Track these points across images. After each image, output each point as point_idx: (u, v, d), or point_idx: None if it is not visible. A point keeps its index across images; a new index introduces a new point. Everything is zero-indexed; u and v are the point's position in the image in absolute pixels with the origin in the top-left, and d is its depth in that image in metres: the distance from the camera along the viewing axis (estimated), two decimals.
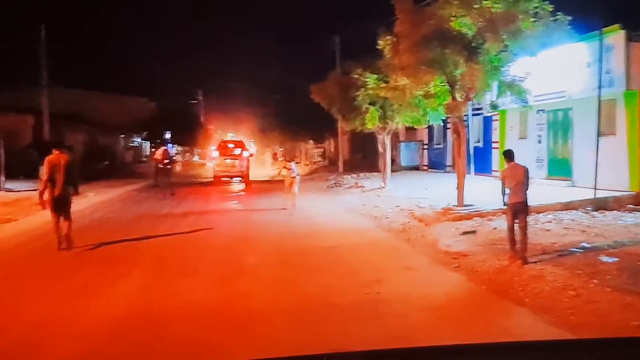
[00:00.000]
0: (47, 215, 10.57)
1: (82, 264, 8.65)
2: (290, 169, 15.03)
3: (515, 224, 7.64)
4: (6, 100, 28.63)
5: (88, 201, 17.22)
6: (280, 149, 26.07)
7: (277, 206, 15.01)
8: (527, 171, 7.87)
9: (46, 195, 9.77)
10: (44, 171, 9.92)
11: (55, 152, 10.07)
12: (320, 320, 5.61)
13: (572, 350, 2.27)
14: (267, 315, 5.78)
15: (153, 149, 36.65)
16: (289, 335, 5.08)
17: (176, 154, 27.23)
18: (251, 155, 29.24)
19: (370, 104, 18.16)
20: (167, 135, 41.95)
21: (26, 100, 28.65)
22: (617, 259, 7.24)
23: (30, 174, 23.72)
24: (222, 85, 56.43)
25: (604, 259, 7.31)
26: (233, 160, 26.66)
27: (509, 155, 8.12)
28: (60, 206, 9.77)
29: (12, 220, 13.14)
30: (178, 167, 21.66)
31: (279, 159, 15.08)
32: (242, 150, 27.65)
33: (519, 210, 7.60)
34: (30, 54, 27.49)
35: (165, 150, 21.15)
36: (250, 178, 26.14)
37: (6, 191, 19.18)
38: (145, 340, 5.14)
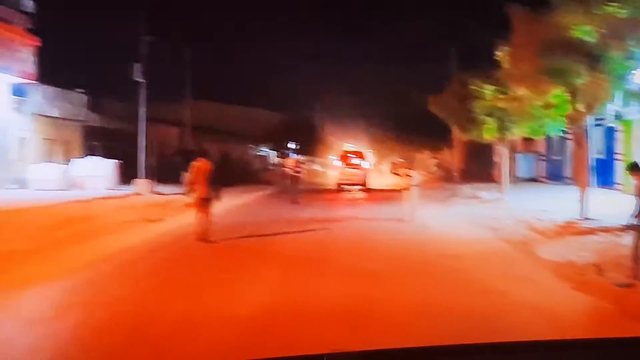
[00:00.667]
0: (189, 216, 11.84)
1: (220, 255, 9.59)
2: (410, 177, 15.10)
3: None
4: (155, 112, 31.10)
5: (222, 205, 18.34)
6: (401, 160, 26.26)
7: (397, 214, 15.12)
8: None
9: (192, 196, 10.92)
10: (190, 176, 11.06)
11: (200, 160, 11.23)
12: (445, 325, 5.57)
13: (572, 349, 2.19)
14: (394, 316, 5.87)
15: (280, 157, 37.95)
16: (417, 338, 5.21)
17: (302, 163, 28.33)
18: (371, 164, 29.88)
19: (487, 115, 17.83)
20: (291, 145, 43.40)
21: (172, 113, 31.01)
22: None
23: (176, 179, 25.66)
24: (341, 96, 57.30)
25: None
26: (354, 169, 27.38)
27: (635, 168, 7.66)
28: (204, 206, 10.86)
29: (163, 219, 14.36)
30: (303, 176, 22.43)
31: (399, 169, 15.22)
32: (362, 160, 28.27)
33: None
34: (175, 71, 29.75)
35: (296, 160, 22.25)
36: (370, 186, 26.55)
37: (157, 194, 20.86)
38: (283, 331, 5.38)
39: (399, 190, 15.92)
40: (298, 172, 21.23)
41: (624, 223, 7.88)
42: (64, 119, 25.39)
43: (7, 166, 21.42)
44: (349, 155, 29.52)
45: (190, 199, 11.06)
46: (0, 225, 11.65)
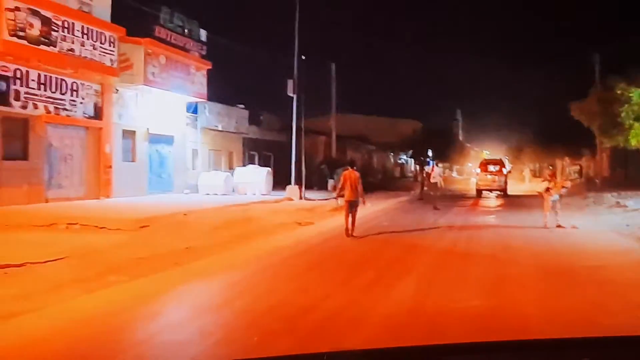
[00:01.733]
0: (336, 220, 13.07)
1: (364, 248, 10.18)
2: (555, 184, 14.31)
3: None
4: (305, 124, 32.66)
5: (366, 210, 18.71)
6: (551, 167, 25.36)
7: (536, 222, 14.40)
8: None
9: (341, 201, 12.48)
10: (340, 182, 12.64)
11: (349, 169, 12.70)
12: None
13: (575, 348, 2.10)
14: (534, 322, 5.65)
15: (418, 165, 37.77)
16: None
17: (442, 171, 28.32)
18: (509, 172, 29.57)
19: (635, 119, 16.35)
20: (430, 153, 42.85)
21: (320, 125, 32.21)
22: None
23: (323, 186, 26.63)
24: (479, 105, 55.56)
25: None
26: (493, 176, 27.51)
27: None
28: (351, 208, 12.23)
29: (312, 223, 14.99)
30: (441, 183, 22.19)
31: (552, 178, 14.53)
32: (501, 167, 28.13)
33: None
34: (323, 86, 30.87)
35: (434, 167, 22.22)
36: (509, 192, 26.12)
37: (306, 199, 21.77)
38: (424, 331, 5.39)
39: (538, 197, 15.20)
40: (436, 179, 21.04)
41: None
42: (227, 131, 27.45)
43: (184, 174, 23.66)
44: (489, 163, 29.31)
45: (340, 202, 12.50)
46: (179, 225, 12.97)
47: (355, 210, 12.29)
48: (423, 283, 7.66)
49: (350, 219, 12.15)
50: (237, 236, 11.88)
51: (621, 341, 2.20)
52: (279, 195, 22.06)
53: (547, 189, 14.07)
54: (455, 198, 26.05)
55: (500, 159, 31.70)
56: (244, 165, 26.19)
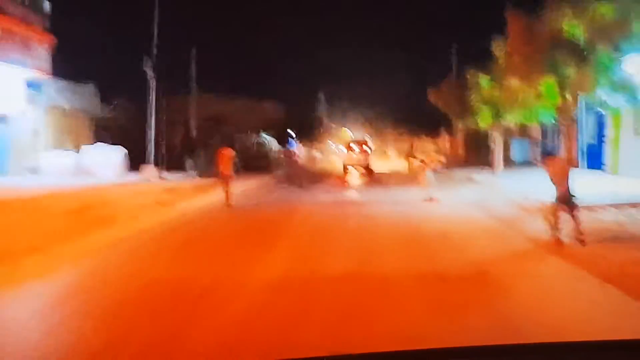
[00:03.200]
0: (198, 200, 15.20)
1: (233, 227, 10.43)
2: (430, 159, 16.05)
3: None
4: (161, 104, 31.86)
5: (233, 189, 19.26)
6: (412, 146, 28.24)
7: (401, 196, 15.96)
8: None
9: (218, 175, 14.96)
10: (217, 160, 15.09)
11: (224, 147, 15.47)
12: (441, 290, 6.30)
13: (575, 352, 2.18)
14: (397, 280, 6.68)
15: (281, 145, 38.72)
16: (415, 294, 6.02)
17: (303, 149, 29.49)
18: (371, 150, 31.68)
19: (483, 104, 18.53)
20: (292, 133, 44.06)
21: (177, 104, 31.70)
22: None
23: (181, 166, 26.42)
24: (342, 84, 57.98)
25: None
26: (359, 155, 29.56)
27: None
28: (226, 181, 14.65)
29: (173, 204, 15.07)
30: (304, 161, 23.26)
31: (412, 154, 16.36)
32: (365, 147, 30.21)
33: None
34: (182, 65, 30.41)
35: (296, 147, 23.19)
36: (375, 170, 28.29)
37: (165, 180, 21.56)
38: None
39: (409, 173, 16.95)
40: (299, 158, 22.08)
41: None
42: (76, 109, 26.05)
43: (22, 155, 22.15)
44: (353, 143, 31.25)
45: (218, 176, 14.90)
46: (22, 211, 12.39)
47: (230, 184, 14.63)
48: (297, 254, 8.47)
49: (226, 191, 14.59)
50: (94, 220, 11.66)
51: (617, 345, 2.26)
52: (135, 176, 21.62)
53: (423, 164, 15.68)
54: (320, 177, 27.32)
55: (365, 139, 33.73)
56: (94, 146, 25.07)
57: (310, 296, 6.10)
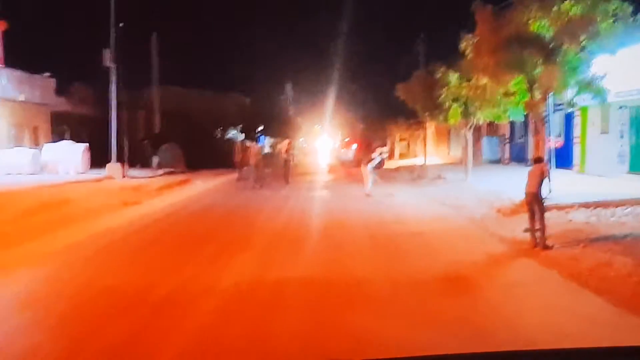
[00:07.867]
0: (165, 198, 14.78)
1: (201, 226, 10.29)
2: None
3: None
4: (124, 98, 31.35)
5: (196, 188, 19.11)
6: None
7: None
8: None
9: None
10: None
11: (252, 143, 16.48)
12: (414, 290, 6.45)
13: (575, 358, 2.17)
14: (367, 283, 6.75)
15: (243, 143, 38.68)
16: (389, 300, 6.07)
17: (269, 146, 29.47)
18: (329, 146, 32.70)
19: (453, 100, 18.72)
20: (259, 128, 43.89)
21: (140, 99, 31.19)
22: None
23: (146, 163, 26.06)
24: (310, 80, 58.04)
25: None
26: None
27: None
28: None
29: (139, 203, 14.87)
30: (271, 157, 23.30)
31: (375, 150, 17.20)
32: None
33: None
34: (142, 56, 29.89)
35: (260, 144, 23.28)
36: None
37: (129, 178, 21.25)
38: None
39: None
40: (264, 155, 22.26)
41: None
42: (31, 102, 25.35)
43: None
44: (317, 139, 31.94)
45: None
46: None
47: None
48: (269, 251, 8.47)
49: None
50: (56, 220, 11.44)
51: (612, 352, 2.28)
52: (98, 174, 21.27)
53: (368, 160, 16.57)
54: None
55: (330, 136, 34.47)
56: (53, 142, 24.50)
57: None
